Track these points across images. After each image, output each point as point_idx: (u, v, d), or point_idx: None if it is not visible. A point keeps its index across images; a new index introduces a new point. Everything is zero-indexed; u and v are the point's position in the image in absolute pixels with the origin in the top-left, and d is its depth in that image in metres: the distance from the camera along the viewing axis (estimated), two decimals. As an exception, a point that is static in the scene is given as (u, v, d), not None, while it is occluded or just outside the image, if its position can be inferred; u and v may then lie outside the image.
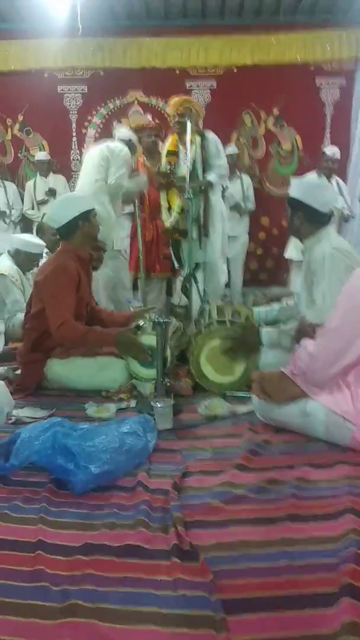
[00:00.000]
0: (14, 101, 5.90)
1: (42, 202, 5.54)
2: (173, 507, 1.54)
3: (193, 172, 3.69)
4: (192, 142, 3.66)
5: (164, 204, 3.88)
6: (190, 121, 3.58)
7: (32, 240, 3.82)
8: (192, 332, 2.75)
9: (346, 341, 1.82)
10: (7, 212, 5.66)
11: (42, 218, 5.24)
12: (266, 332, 2.50)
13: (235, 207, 5.33)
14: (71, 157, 6.08)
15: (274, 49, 5.72)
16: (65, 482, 1.68)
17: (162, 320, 2.39)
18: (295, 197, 2.52)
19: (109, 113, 6.00)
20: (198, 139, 3.78)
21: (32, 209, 5.64)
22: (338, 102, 5.88)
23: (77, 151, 6.07)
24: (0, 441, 1.86)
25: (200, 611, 1.17)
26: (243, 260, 5.67)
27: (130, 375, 2.69)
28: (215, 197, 3.97)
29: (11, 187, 5.82)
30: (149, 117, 4.67)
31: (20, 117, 5.98)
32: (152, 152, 4.34)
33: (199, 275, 3.81)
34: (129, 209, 4.35)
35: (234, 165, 5.28)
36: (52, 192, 5.52)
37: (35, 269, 3.58)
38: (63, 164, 6.00)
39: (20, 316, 3.27)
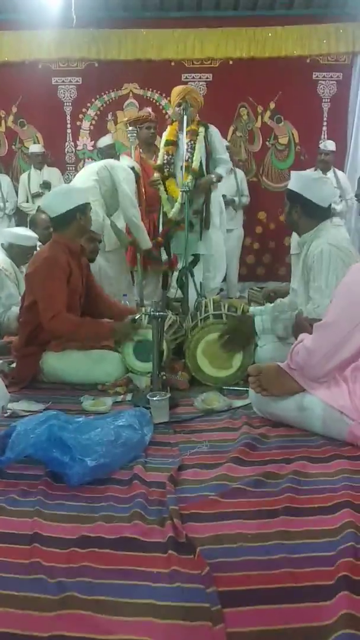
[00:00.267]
0: (8, 93, 5.85)
1: (37, 195, 5.50)
2: (169, 500, 1.54)
3: (194, 163, 3.67)
4: (196, 133, 3.65)
5: (163, 195, 3.86)
6: (189, 112, 3.56)
7: (24, 234, 3.80)
8: (189, 326, 2.74)
9: (343, 336, 1.81)
10: (2, 205, 5.63)
11: (36, 211, 5.25)
12: (259, 319, 2.50)
13: (230, 202, 5.33)
14: (66, 150, 6.04)
15: (271, 42, 5.70)
16: (61, 475, 1.67)
17: (158, 314, 2.38)
18: (294, 190, 2.51)
19: (104, 105, 5.97)
20: (202, 130, 3.75)
21: (27, 201, 5.61)
22: (335, 96, 5.87)
23: (72, 143, 6.04)
24: (-5, 434, 1.85)
25: (197, 603, 1.17)
26: (238, 254, 5.68)
27: (127, 369, 2.69)
28: (215, 191, 3.96)
29: (5, 179, 5.79)
30: (149, 109, 4.65)
31: (14, 109, 5.93)
32: (149, 145, 4.35)
33: (198, 268, 3.80)
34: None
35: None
36: (46, 185, 5.49)
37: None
38: (57, 157, 5.97)
39: (15, 310, 3.26)
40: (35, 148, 5.69)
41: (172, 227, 3.76)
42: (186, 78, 5.80)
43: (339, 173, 5.29)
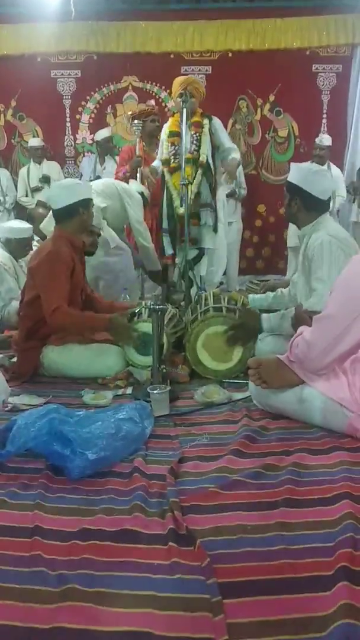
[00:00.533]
0: (7, 86, 5.82)
1: (36, 189, 5.49)
2: (170, 492, 1.54)
3: (201, 156, 3.65)
4: (200, 125, 3.63)
5: (174, 192, 3.79)
6: (190, 103, 3.53)
7: (19, 226, 3.80)
8: (189, 319, 2.74)
9: (342, 329, 1.81)
10: (1, 199, 5.61)
11: (35, 205, 5.24)
12: (266, 318, 2.50)
13: (232, 193, 5.31)
14: (65, 143, 6.02)
15: (270, 34, 5.66)
16: (61, 468, 1.68)
17: (158, 307, 2.38)
18: (293, 183, 2.51)
19: (103, 98, 5.94)
20: (206, 122, 3.73)
21: (26, 195, 5.59)
22: (335, 89, 5.84)
23: (71, 137, 6.01)
24: (-4, 428, 1.86)
25: (197, 594, 1.18)
26: (238, 247, 5.66)
27: (127, 362, 2.69)
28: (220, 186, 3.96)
29: (4, 174, 5.77)
30: (152, 102, 4.66)
31: (13, 103, 5.90)
32: (152, 137, 4.38)
33: (203, 261, 3.79)
34: None
35: None
36: (46, 179, 5.48)
37: (29, 256, 3.57)
38: (57, 150, 5.95)
39: (15, 304, 3.26)
40: (34, 142, 5.67)
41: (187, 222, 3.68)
42: (185, 70, 5.76)
43: (333, 169, 5.27)
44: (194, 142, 3.67)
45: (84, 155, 5.96)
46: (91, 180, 4.62)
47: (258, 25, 5.65)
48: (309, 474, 1.62)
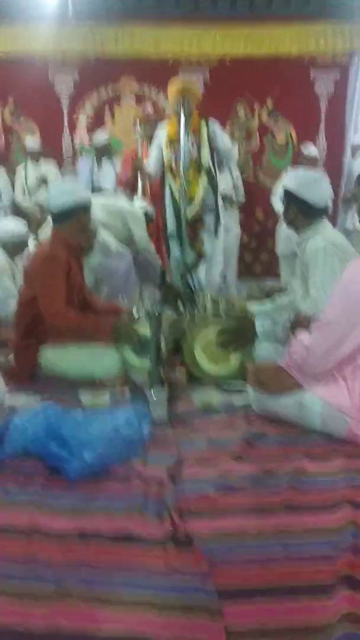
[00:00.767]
0: (5, 87, 5.82)
1: (33, 190, 5.47)
2: (167, 496, 1.53)
3: (203, 160, 3.65)
4: (199, 130, 3.63)
5: (176, 193, 3.74)
6: (187, 106, 3.52)
7: (12, 226, 3.79)
8: (187, 323, 2.74)
9: (341, 334, 1.81)
10: (-2, 198, 5.59)
11: (33, 205, 5.23)
12: (260, 324, 2.50)
13: (226, 199, 5.32)
14: (63, 144, 6.01)
15: (268, 40, 5.69)
16: (59, 469, 1.66)
17: (156, 310, 2.37)
18: (290, 189, 2.51)
19: (101, 100, 5.94)
20: (204, 126, 3.73)
21: (23, 195, 5.57)
22: (332, 95, 5.87)
23: (69, 137, 6.01)
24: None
25: (195, 598, 1.17)
26: (236, 251, 5.68)
27: (125, 364, 2.68)
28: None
29: (1, 173, 5.75)
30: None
31: (11, 103, 5.89)
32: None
33: (202, 265, 3.79)
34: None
35: None
36: (43, 179, 5.46)
37: (24, 253, 3.57)
38: (54, 151, 5.93)
39: (12, 303, 3.24)
40: (31, 142, 5.66)
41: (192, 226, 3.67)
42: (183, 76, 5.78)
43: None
44: (194, 146, 3.66)
45: (81, 155, 5.95)
46: (92, 188, 4.67)
47: (256, 32, 5.69)
48: (309, 480, 1.60)
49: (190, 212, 3.67)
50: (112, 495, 1.56)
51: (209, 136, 3.74)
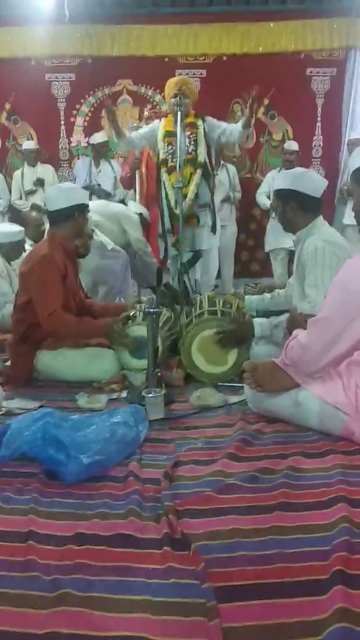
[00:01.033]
0: (1, 90, 5.81)
1: (30, 192, 5.48)
2: (164, 496, 1.54)
3: (199, 156, 3.65)
4: (195, 126, 3.63)
5: (170, 192, 3.69)
6: (184, 104, 3.52)
7: (9, 229, 3.79)
8: (183, 322, 2.74)
9: (337, 332, 1.81)
10: (-5, 202, 5.60)
11: (29, 208, 5.23)
12: (258, 324, 2.51)
13: (226, 198, 5.33)
14: (59, 147, 6.01)
15: (264, 37, 5.67)
16: (56, 472, 1.67)
17: (152, 310, 2.37)
18: (284, 188, 2.52)
19: (97, 102, 5.94)
20: (200, 123, 3.71)
21: (20, 199, 5.58)
22: (329, 92, 5.85)
23: (66, 140, 6.00)
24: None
25: (192, 599, 1.17)
26: (233, 250, 5.67)
27: (121, 366, 2.69)
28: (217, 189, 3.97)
29: (-2, 176, 5.77)
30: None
31: (8, 106, 5.89)
32: None
33: (197, 264, 3.78)
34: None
35: (220, 154, 5.26)
36: (40, 182, 5.47)
37: (21, 259, 3.57)
38: (51, 153, 5.94)
39: (10, 307, 3.24)
40: (28, 145, 5.66)
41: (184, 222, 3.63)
42: (180, 74, 5.75)
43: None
44: (191, 142, 3.65)
45: (78, 158, 5.95)
46: (86, 185, 4.68)
47: (252, 29, 5.67)
48: (305, 478, 1.62)
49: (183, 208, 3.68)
50: (109, 497, 1.57)
51: (205, 133, 3.73)
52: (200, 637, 1.09)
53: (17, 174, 5.64)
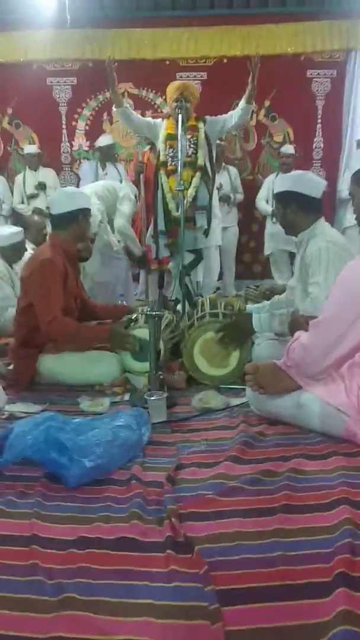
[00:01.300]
0: (3, 94, 5.84)
1: (32, 196, 5.50)
2: (167, 499, 1.54)
3: (199, 160, 3.65)
4: (196, 129, 3.63)
5: (168, 194, 3.71)
6: (186, 108, 3.53)
7: (8, 232, 3.80)
8: (185, 325, 2.74)
9: (339, 333, 1.81)
10: (-2, 205, 5.62)
11: (32, 212, 5.25)
12: (257, 317, 2.50)
13: (225, 198, 5.33)
14: (61, 150, 6.03)
15: (264, 40, 5.67)
16: (59, 476, 1.67)
17: (155, 313, 2.38)
18: (285, 190, 2.52)
19: (99, 105, 5.95)
20: (201, 125, 3.71)
21: (22, 203, 5.59)
22: (329, 94, 5.85)
23: (67, 144, 6.02)
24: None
25: (195, 602, 1.17)
26: (234, 251, 5.68)
27: (124, 369, 2.69)
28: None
29: (1, 180, 5.78)
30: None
31: (9, 110, 5.92)
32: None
33: (199, 267, 3.78)
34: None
35: (221, 156, 5.27)
36: (42, 186, 5.49)
37: (22, 262, 3.59)
38: (53, 157, 5.95)
39: (12, 311, 3.25)
40: (30, 149, 5.68)
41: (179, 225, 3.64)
42: (181, 77, 5.77)
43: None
44: (191, 145, 3.66)
45: (80, 162, 5.96)
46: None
47: (253, 32, 5.68)
48: (307, 480, 1.62)
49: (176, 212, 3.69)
50: (112, 501, 1.57)
51: (206, 135, 3.73)
52: (203, 640, 1.09)
53: (19, 178, 5.66)
